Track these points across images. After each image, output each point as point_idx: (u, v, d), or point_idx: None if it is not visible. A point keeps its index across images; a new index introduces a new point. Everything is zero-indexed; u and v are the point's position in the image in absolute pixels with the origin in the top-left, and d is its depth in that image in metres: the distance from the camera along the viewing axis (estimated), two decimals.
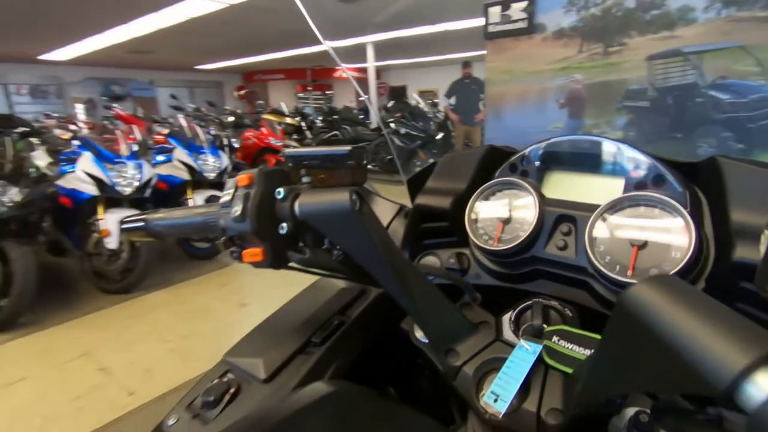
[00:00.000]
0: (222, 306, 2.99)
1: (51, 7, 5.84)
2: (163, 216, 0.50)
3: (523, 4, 1.81)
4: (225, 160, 3.78)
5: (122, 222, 0.52)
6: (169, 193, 3.54)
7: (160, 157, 3.68)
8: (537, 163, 0.56)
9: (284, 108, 8.21)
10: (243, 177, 0.41)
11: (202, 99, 8.99)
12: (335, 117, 8.24)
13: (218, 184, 3.62)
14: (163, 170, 3.56)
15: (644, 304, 0.23)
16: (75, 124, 5.30)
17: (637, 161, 0.49)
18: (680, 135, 1.39)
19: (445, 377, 0.46)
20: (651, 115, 1.50)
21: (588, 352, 0.40)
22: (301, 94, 14.47)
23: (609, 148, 0.52)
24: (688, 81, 1.31)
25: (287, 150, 0.47)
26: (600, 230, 0.47)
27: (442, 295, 0.47)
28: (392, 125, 6.61)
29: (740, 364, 0.18)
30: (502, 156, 0.61)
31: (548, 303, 0.48)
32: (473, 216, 0.56)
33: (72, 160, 3.07)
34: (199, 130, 3.96)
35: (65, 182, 3.00)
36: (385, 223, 0.68)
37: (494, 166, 0.60)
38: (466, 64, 5.94)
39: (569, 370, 0.40)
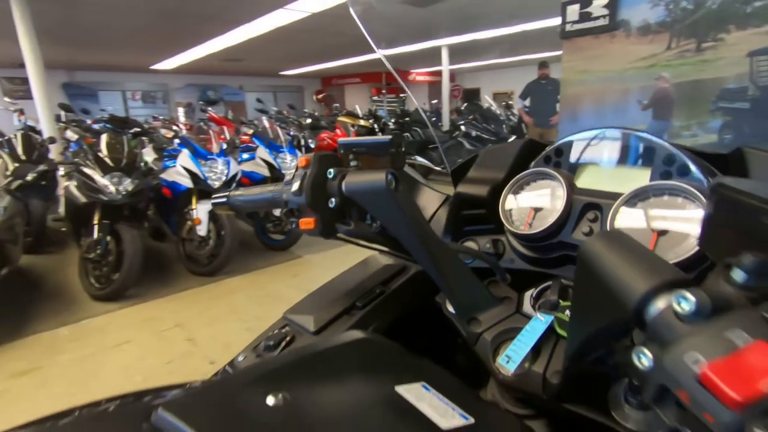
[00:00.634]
0: (292, 294, 3.22)
1: (163, 23, 6.65)
2: (241, 193, 0.61)
3: (605, 0, 1.77)
4: None
5: (212, 198, 0.64)
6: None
7: (245, 155, 4.06)
8: (569, 155, 0.60)
9: (358, 111, 8.53)
10: (302, 159, 0.51)
11: (284, 102, 9.61)
12: (407, 119, 8.37)
13: None
14: (247, 167, 3.92)
15: (592, 251, 0.28)
16: (176, 125, 5.99)
17: (664, 152, 0.51)
18: None
19: (467, 342, 0.52)
20: (752, 117, 1.39)
21: None
22: (375, 97, 14.84)
23: (637, 140, 0.54)
24: None
25: (340, 139, 0.56)
26: (623, 217, 0.50)
27: (469, 270, 0.52)
28: (463, 128, 6.58)
29: (643, 289, 0.23)
30: (539, 148, 0.65)
31: (567, 283, 0.51)
32: (507, 203, 0.61)
33: (173, 156, 3.50)
34: (279, 131, 4.29)
35: (167, 175, 3.44)
36: (431, 210, 0.75)
37: (531, 157, 0.64)
38: (543, 64, 5.74)
39: None
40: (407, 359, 0.48)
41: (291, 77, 14.88)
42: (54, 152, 4.60)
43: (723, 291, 0.23)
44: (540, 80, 5.79)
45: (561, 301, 0.49)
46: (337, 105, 10.32)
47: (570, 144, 0.60)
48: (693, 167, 0.49)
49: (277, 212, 3.86)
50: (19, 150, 4.39)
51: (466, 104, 8.74)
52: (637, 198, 0.50)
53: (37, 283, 3.46)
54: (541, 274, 0.58)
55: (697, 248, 0.43)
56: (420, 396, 0.39)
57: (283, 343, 0.58)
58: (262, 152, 3.98)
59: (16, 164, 3.97)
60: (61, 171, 3.57)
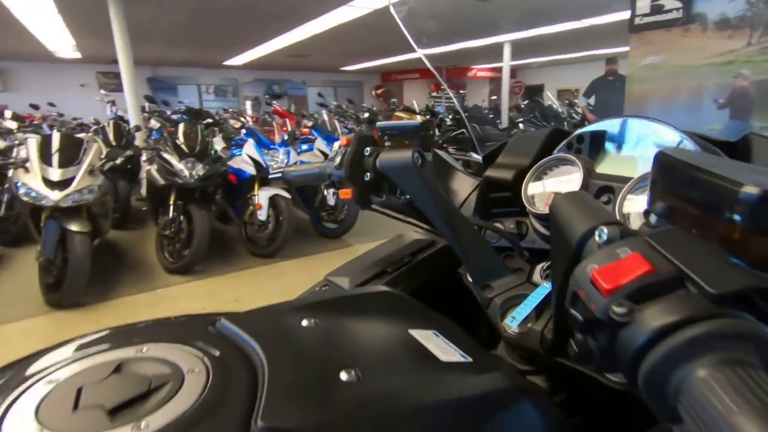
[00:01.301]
0: None
1: (236, 22, 7.11)
2: (293, 169, 0.72)
3: None
4: None
5: (272, 172, 0.76)
6: None
7: (304, 146, 4.28)
8: (590, 142, 0.64)
9: (415, 106, 8.58)
10: (344, 139, 0.60)
11: (343, 97, 9.91)
12: (465, 115, 8.29)
13: None
14: (306, 157, 4.13)
15: (556, 207, 0.34)
16: (244, 117, 6.40)
17: (675, 139, 0.54)
18: None
19: (481, 306, 0.59)
20: None
21: None
22: (434, 93, 14.78)
23: (651, 128, 0.57)
24: None
25: (378, 123, 0.64)
26: (632, 197, 0.54)
27: (485, 241, 0.59)
28: (521, 125, 6.42)
29: (582, 229, 0.29)
30: (564, 136, 0.69)
31: None
32: (530, 187, 0.66)
33: (239, 146, 3.78)
34: (337, 124, 4.47)
35: (234, 163, 3.72)
36: (465, 194, 0.81)
37: (556, 145, 0.69)
38: (611, 59, 5.46)
39: None
40: (424, 312, 0.55)
41: (351, 73, 15.22)
42: (139, 139, 5.12)
43: (639, 229, 0.29)
44: (607, 76, 5.51)
45: None
46: (395, 100, 10.45)
47: (591, 132, 0.64)
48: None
49: (331, 202, 4.05)
50: (111, 136, 4.94)
51: (527, 101, 8.50)
52: (645, 180, 0.54)
53: (121, 254, 3.91)
54: None
55: None
56: (428, 338, 0.47)
57: None
58: (320, 144, 4.18)
59: (108, 149, 4.47)
60: (144, 156, 3.98)
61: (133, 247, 4.08)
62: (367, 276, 0.70)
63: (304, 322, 0.42)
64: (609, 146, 0.63)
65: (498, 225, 0.71)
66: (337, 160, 0.60)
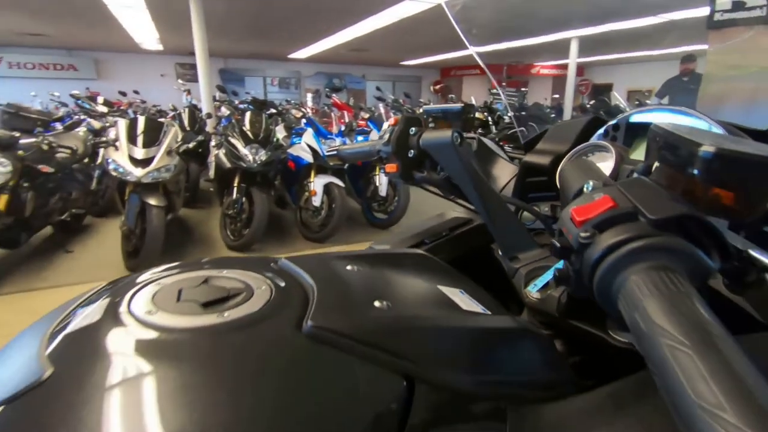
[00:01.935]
0: None
1: (301, 16, 7.41)
2: (347, 147, 0.81)
3: None
4: None
5: (327, 151, 0.86)
6: (361, 169, 4.23)
7: (360, 138, 4.41)
8: (626, 130, 0.67)
9: (473, 102, 8.48)
10: (393, 119, 0.68)
11: (402, 92, 9.99)
12: (523, 114, 8.09)
13: None
14: None
15: (562, 172, 0.40)
16: (304, 108, 6.68)
17: (705, 126, 0.57)
18: None
19: (507, 275, 0.65)
20: None
21: None
22: (494, 90, 14.45)
23: (681, 117, 0.60)
24: None
25: (425, 107, 0.72)
26: None
27: (514, 216, 0.65)
28: None
29: (577, 186, 0.35)
30: (602, 125, 0.73)
31: None
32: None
33: (299, 135, 3.99)
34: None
35: (293, 150, 3.94)
36: (506, 179, 0.87)
37: (594, 132, 0.73)
38: (687, 58, 5.09)
39: None
40: (454, 275, 0.62)
41: (410, 67, 15.25)
42: (210, 126, 5.52)
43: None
44: (682, 77, 5.15)
45: None
46: (453, 96, 10.38)
47: (627, 120, 0.67)
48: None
49: (383, 193, 4.16)
50: (186, 122, 5.38)
51: (592, 101, 8.11)
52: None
53: (190, 230, 4.28)
54: None
55: None
56: (454, 293, 0.54)
57: None
58: (375, 136, 4.30)
59: (183, 133, 4.88)
60: (213, 141, 4.31)
61: (199, 223, 4.45)
62: (407, 245, 0.78)
63: (348, 266, 0.51)
64: (643, 134, 0.67)
65: (535, 208, 0.76)
66: (386, 137, 0.68)
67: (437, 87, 15.14)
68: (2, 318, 2.51)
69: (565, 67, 8.94)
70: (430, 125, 0.69)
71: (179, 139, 3.66)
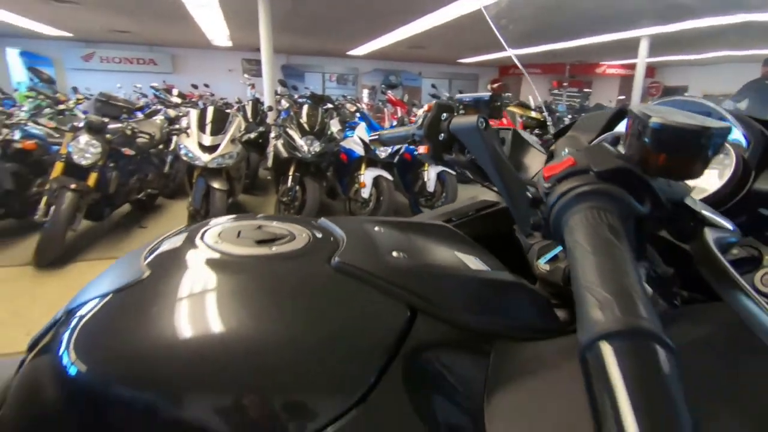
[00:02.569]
0: None
1: (362, 13, 7.59)
2: (387, 132, 0.90)
3: None
4: None
5: (370, 136, 0.95)
6: (410, 163, 4.32)
7: None
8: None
9: (531, 102, 8.27)
10: (427, 106, 0.76)
11: (457, 89, 9.94)
12: (583, 115, 7.77)
13: None
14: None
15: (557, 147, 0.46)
16: (359, 103, 6.88)
17: (720, 117, 0.60)
18: None
19: (523, 251, 0.71)
20: None
21: None
22: (555, 90, 13.95)
23: (699, 107, 0.63)
24: None
25: (457, 95, 0.79)
26: None
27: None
28: None
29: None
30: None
31: None
32: None
33: (352, 128, 4.15)
34: None
35: (346, 143, 4.10)
36: (536, 168, 0.92)
37: (619, 123, 0.77)
38: None
39: None
40: (473, 245, 0.69)
41: (468, 65, 15.06)
42: (270, 118, 5.85)
43: None
44: (764, 79, 4.73)
45: None
46: (509, 94, 10.16)
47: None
48: (739, 129, 0.57)
49: (430, 188, 4.23)
50: (249, 114, 5.74)
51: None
52: None
53: None
54: None
55: (719, 187, 0.54)
56: (468, 259, 0.61)
57: None
58: None
59: (246, 124, 5.22)
60: (273, 133, 4.58)
61: (256, 208, 4.75)
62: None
63: (375, 227, 0.60)
64: None
65: None
66: (419, 122, 0.76)
67: (495, 86, 14.81)
68: (87, 279, 2.87)
69: (633, 67, 8.46)
70: (461, 112, 0.77)
71: (242, 129, 3.93)
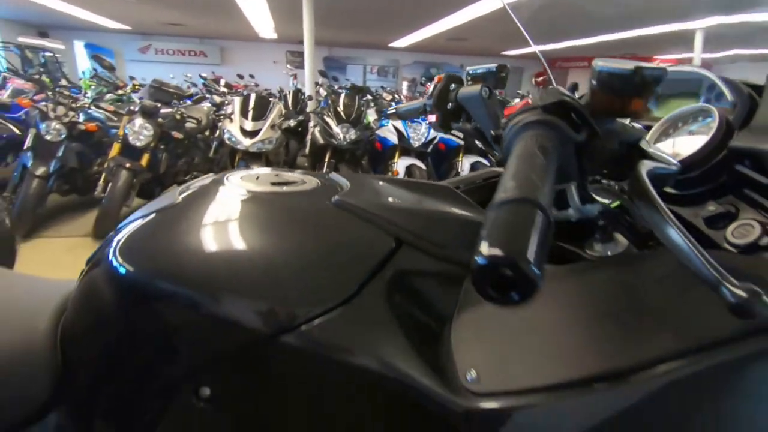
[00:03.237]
0: None
1: (403, 5, 7.61)
2: (403, 105, 0.97)
3: None
4: None
5: (388, 109, 1.02)
6: (445, 154, 4.34)
7: None
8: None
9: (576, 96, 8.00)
10: (437, 78, 0.82)
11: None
12: None
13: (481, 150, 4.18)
14: (445, 135, 4.37)
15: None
16: (398, 95, 6.94)
17: (710, 83, 0.62)
18: None
19: None
20: None
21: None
22: None
23: (695, 75, 0.65)
24: None
25: (468, 68, 0.84)
26: (657, 129, 0.64)
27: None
28: None
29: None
30: None
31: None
32: None
33: (387, 117, 4.21)
34: None
35: (381, 132, 4.18)
36: None
37: None
38: None
39: None
40: (473, 205, 0.75)
41: (511, 58, 14.70)
42: (310, 107, 6.02)
43: None
44: None
45: None
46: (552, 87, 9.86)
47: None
48: (726, 91, 0.60)
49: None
50: (290, 103, 5.93)
51: None
52: (681, 115, 0.63)
53: None
54: None
55: (701, 147, 0.57)
56: (465, 215, 0.67)
57: None
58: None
59: (286, 111, 5.42)
60: (312, 122, 4.73)
61: None
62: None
63: (381, 183, 0.68)
64: (665, 93, 0.73)
65: None
66: (430, 92, 0.82)
67: (539, 79, 14.42)
68: None
69: (690, 62, 7.98)
70: (469, 83, 0.82)
71: (282, 116, 4.10)
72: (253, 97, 3.84)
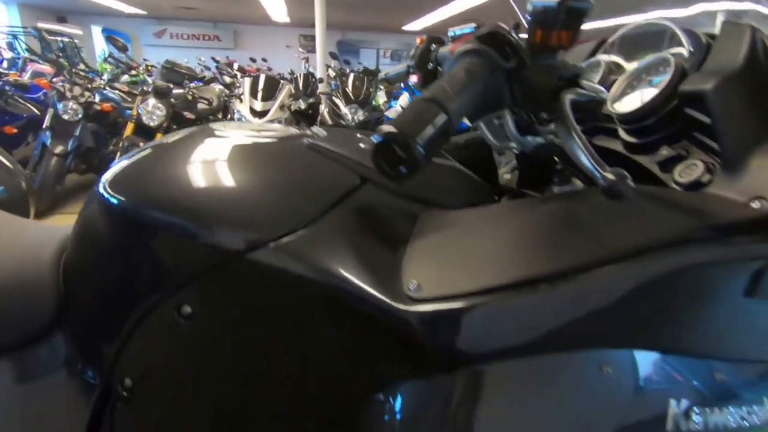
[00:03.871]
0: None
1: None
2: (392, 70, 1.00)
3: None
4: None
5: (380, 76, 1.05)
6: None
7: None
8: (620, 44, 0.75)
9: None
10: (419, 39, 0.84)
11: None
12: None
13: None
14: None
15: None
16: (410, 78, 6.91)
17: (672, 33, 0.64)
18: None
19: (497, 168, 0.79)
20: None
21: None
22: None
23: (659, 27, 0.67)
24: None
25: (450, 29, 0.86)
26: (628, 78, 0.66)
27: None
28: None
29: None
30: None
31: None
32: None
33: (396, 98, 4.22)
34: None
35: (389, 113, 4.20)
36: None
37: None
38: None
39: None
40: (450, 159, 0.78)
41: None
42: (321, 90, 6.04)
43: None
44: None
45: None
46: None
47: (619, 38, 0.76)
48: (683, 39, 0.61)
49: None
50: (300, 86, 5.96)
51: None
52: (638, 71, 0.65)
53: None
54: None
55: (656, 94, 0.59)
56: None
57: None
58: None
59: (296, 92, 5.46)
60: (323, 105, 4.77)
61: None
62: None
63: (358, 135, 0.71)
64: (632, 48, 0.74)
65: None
66: (413, 53, 0.85)
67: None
68: None
69: None
70: (449, 43, 0.85)
71: (291, 96, 4.14)
72: (262, 78, 3.89)
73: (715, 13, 0.74)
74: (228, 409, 0.49)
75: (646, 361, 0.42)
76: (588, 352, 0.41)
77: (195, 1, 10.20)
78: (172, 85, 3.67)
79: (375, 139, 0.30)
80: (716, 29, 0.61)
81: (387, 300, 0.41)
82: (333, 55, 6.36)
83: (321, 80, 5.90)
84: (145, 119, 3.40)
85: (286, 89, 3.94)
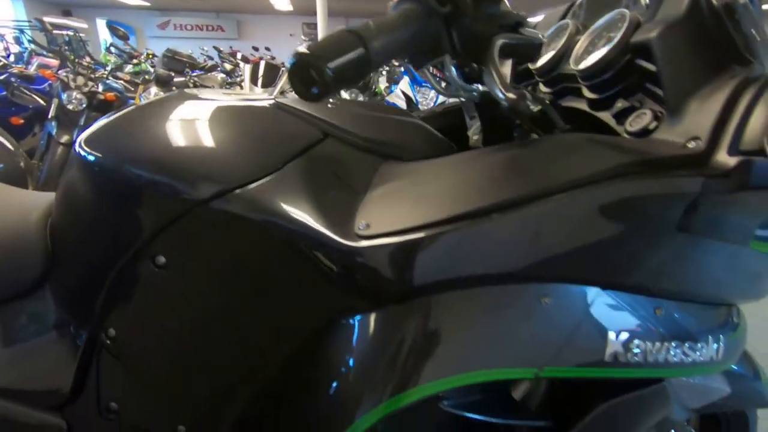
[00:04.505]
0: None
1: None
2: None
3: None
4: None
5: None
6: None
7: None
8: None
9: None
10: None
11: None
12: None
13: None
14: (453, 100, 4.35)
15: None
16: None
17: None
18: None
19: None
20: None
21: None
22: None
23: None
24: None
25: None
26: (590, 36, 0.67)
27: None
28: None
29: None
30: None
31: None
32: None
33: (397, 83, 4.21)
34: None
35: (390, 98, 4.18)
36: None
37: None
38: None
39: None
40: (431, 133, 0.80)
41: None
42: None
43: None
44: None
45: None
46: None
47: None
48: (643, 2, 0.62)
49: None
50: None
51: None
52: (599, 29, 0.66)
53: None
54: None
55: (612, 45, 0.60)
56: None
57: None
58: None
59: None
60: None
61: None
62: None
63: (331, 100, 0.73)
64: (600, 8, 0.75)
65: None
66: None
67: None
68: None
69: None
70: None
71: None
72: (262, 64, 3.90)
73: None
74: (203, 350, 0.53)
75: (586, 295, 0.45)
76: (530, 285, 0.44)
77: None
78: (173, 74, 3.70)
79: (290, 59, 0.33)
80: None
81: (337, 238, 0.44)
82: None
83: None
84: None
85: (286, 75, 3.95)
